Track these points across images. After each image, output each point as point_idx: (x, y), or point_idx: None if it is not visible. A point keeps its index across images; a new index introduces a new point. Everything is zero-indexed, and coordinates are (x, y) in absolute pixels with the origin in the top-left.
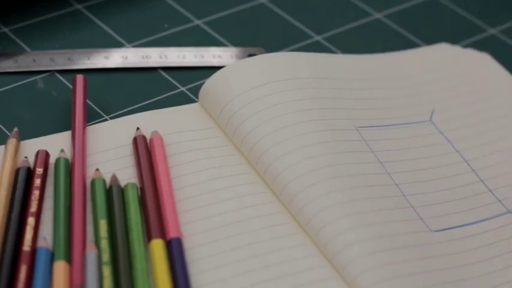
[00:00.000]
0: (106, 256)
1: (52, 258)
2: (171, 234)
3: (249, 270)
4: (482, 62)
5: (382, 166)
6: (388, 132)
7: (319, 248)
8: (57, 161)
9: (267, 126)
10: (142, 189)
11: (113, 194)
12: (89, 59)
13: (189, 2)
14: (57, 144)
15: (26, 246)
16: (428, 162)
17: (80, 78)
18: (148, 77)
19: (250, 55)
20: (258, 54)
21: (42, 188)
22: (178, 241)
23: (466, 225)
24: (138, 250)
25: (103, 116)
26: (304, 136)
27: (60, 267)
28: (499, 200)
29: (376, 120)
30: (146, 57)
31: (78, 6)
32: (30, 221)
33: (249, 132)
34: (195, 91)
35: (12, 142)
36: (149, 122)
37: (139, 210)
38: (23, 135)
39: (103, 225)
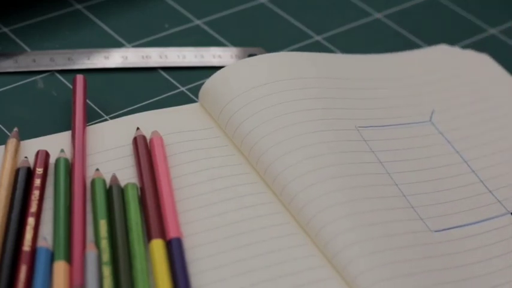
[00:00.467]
0: (106, 256)
1: (52, 258)
2: (171, 234)
3: (249, 270)
4: (482, 63)
5: (382, 166)
6: (388, 132)
7: (319, 248)
8: (57, 161)
9: (267, 126)
10: (142, 189)
11: (113, 194)
12: (89, 59)
13: (189, 2)
14: (57, 144)
15: (26, 246)
16: (428, 163)
17: (80, 78)
18: (148, 77)
19: (250, 55)
20: (258, 54)
21: (42, 188)
22: (178, 241)
23: (466, 225)
24: (138, 250)
25: (103, 116)
26: (304, 136)
27: (60, 267)
28: (499, 201)
29: (376, 120)
30: (146, 57)
31: (78, 6)
32: (30, 221)
33: (249, 132)
34: (195, 91)
35: (12, 142)
36: (149, 122)
37: (139, 210)
38: (23, 135)
39: (103, 225)
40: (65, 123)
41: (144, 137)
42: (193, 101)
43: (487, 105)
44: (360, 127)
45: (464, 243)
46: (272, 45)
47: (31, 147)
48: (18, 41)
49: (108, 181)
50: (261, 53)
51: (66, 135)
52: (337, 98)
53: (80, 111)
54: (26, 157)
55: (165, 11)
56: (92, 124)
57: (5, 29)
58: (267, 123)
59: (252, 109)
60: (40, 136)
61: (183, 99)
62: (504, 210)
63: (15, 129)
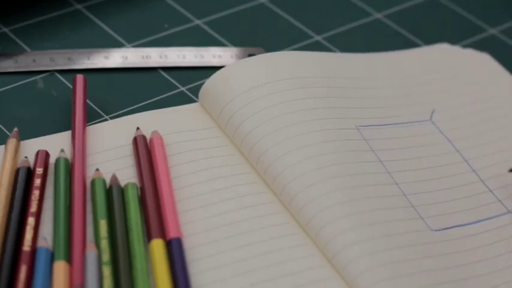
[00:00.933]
0: (106, 256)
1: (52, 258)
2: (171, 234)
3: (249, 270)
4: (482, 62)
5: (382, 165)
6: (389, 131)
7: (319, 248)
8: (57, 161)
9: (267, 126)
10: (142, 189)
11: (113, 194)
12: (89, 59)
13: (189, 2)
14: (57, 144)
15: (26, 246)
16: (429, 162)
17: (80, 78)
18: (148, 77)
19: (250, 55)
20: (258, 54)
21: (42, 188)
22: (178, 241)
23: (466, 224)
24: (138, 250)
25: (103, 116)
26: (304, 136)
27: (60, 267)
28: (499, 200)
29: (376, 120)
30: (146, 57)
31: (78, 6)
32: (30, 221)
33: (249, 132)
34: (195, 91)
35: (12, 142)
36: (149, 122)
37: (139, 210)
38: (23, 135)
39: (103, 225)
40: (65, 123)
41: (144, 137)
42: (193, 101)
43: (488, 105)
44: (360, 126)
45: (465, 243)
46: (272, 45)
47: (31, 147)
48: (18, 41)
49: (108, 181)
50: (261, 53)
51: (66, 135)
52: (337, 97)
53: (80, 111)
54: (26, 157)
55: (165, 11)
56: (92, 124)
57: (5, 29)
58: (267, 123)
59: (252, 109)
60: (40, 136)
61: (183, 99)
62: (504, 210)
63: (15, 129)
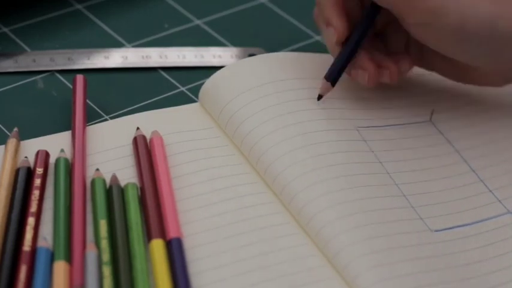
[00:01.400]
0: (106, 256)
1: (52, 258)
2: (171, 234)
3: (249, 270)
4: None
5: (382, 166)
6: (388, 132)
7: (319, 248)
8: (57, 161)
9: (267, 126)
10: (142, 189)
11: (113, 194)
12: (89, 59)
13: (189, 2)
14: (57, 144)
15: (26, 246)
16: (428, 162)
17: (80, 78)
18: (148, 77)
19: (250, 55)
20: (258, 54)
21: (42, 188)
22: (178, 241)
23: (466, 225)
24: (138, 250)
25: (103, 116)
26: (304, 136)
27: (60, 267)
28: (499, 200)
29: (376, 121)
30: (146, 57)
31: (78, 6)
32: (30, 221)
33: (249, 132)
34: (195, 91)
35: (12, 142)
36: (149, 122)
37: (139, 210)
38: (23, 135)
39: (103, 225)
40: (65, 123)
41: (144, 137)
42: (193, 101)
43: (487, 105)
44: (359, 127)
45: (465, 243)
46: (272, 45)
47: (31, 147)
48: (18, 41)
49: (108, 181)
50: (261, 53)
51: (66, 135)
52: (337, 98)
53: (80, 111)
54: (26, 157)
55: (165, 11)
56: (92, 124)
57: (5, 29)
58: (267, 123)
59: (252, 109)
60: (40, 136)
61: (183, 99)
62: (504, 210)
63: (15, 129)
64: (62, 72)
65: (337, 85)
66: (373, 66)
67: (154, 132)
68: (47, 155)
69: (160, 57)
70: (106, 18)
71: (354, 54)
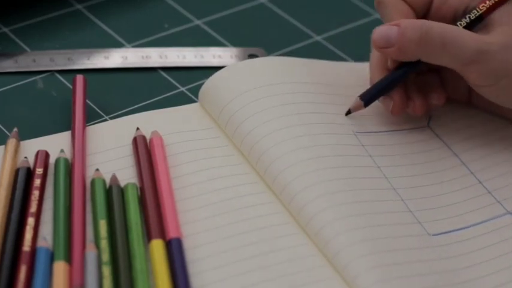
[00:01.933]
0: (106, 256)
1: (52, 258)
2: (171, 234)
3: (249, 270)
4: None
5: (380, 171)
6: (386, 137)
7: (319, 248)
8: (57, 161)
9: (267, 127)
10: (142, 189)
11: (113, 194)
12: (88, 59)
13: (189, 2)
14: (57, 144)
15: (26, 246)
16: (427, 167)
17: (79, 78)
18: (148, 77)
19: (250, 55)
20: (258, 54)
21: (42, 188)
22: (178, 241)
23: (465, 227)
24: (138, 250)
25: (103, 116)
26: (304, 137)
27: (60, 267)
28: (498, 201)
29: (373, 126)
30: (146, 57)
31: (78, 6)
32: (30, 221)
33: (249, 132)
34: (195, 91)
35: (12, 142)
36: (149, 122)
37: (139, 210)
38: (23, 135)
39: (103, 225)
40: (65, 123)
41: (144, 137)
42: (193, 101)
43: None
44: (357, 132)
45: (464, 246)
46: (272, 45)
47: (31, 147)
48: (18, 41)
49: (108, 181)
50: (261, 53)
51: (66, 135)
52: (335, 103)
53: (79, 111)
54: (25, 157)
55: (165, 11)
56: (91, 124)
57: (5, 29)
58: (267, 124)
59: (252, 109)
60: (40, 136)
61: (183, 99)
62: (504, 211)
63: (15, 129)
64: (62, 72)
65: (336, 90)
66: (399, 97)
67: (154, 133)
68: (47, 155)
69: (160, 57)
70: (106, 18)
71: (397, 85)
